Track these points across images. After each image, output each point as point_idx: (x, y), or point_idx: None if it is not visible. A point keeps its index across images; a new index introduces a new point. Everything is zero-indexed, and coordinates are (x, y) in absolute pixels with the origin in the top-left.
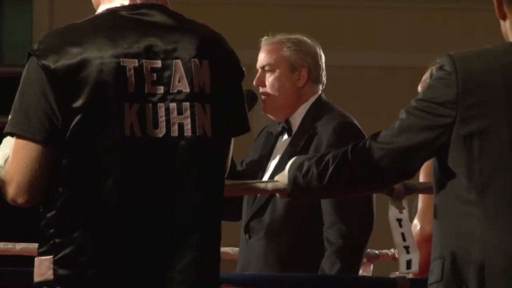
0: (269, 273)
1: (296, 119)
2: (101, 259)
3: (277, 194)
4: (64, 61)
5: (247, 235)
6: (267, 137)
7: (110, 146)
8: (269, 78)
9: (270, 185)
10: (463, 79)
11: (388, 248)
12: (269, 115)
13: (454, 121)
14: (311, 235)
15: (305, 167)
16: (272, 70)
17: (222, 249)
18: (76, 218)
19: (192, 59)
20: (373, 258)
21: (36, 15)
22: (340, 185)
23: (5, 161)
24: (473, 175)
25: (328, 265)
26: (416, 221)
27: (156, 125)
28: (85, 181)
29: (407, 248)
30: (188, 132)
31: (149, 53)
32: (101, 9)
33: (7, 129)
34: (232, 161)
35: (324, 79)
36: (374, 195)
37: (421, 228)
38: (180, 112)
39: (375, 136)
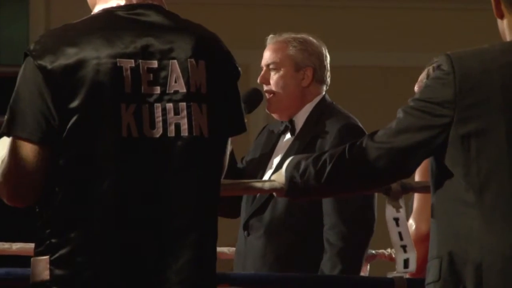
0: (265, 273)
1: (300, 119)
2: (98, 260)
3: (274, 194)
4: (60, 62)
5: (245, 233)
6: (269, 136)
7: (106, 147)
8: (274, 77)
9: (267, 185)
10: (461, 79)
11: (385, 248)
12: (273, 114)
13: (451, 121)
14: (311, 235)
15: (302, 167)
16: (277, 69)
17: (219, 248)
18: (73, 218)
19: (189, 59)
20: (369, 258)
21: (33, 15)
22: (337, 185)
23: (2, 161)
24: (471, 175)
25: (329, 267)
26: (411, 221)
27: (153, 125)
28: (81, 182)
29: (404, 248)
30: (185, 132)
31: (146, 53)
32: (97, 9)
33: (3, 129)
34: (233, 158)
35: (328, 79)
36: (376, 197)
37: (417, 227)
38: (176, 112)
39: (372, 136)
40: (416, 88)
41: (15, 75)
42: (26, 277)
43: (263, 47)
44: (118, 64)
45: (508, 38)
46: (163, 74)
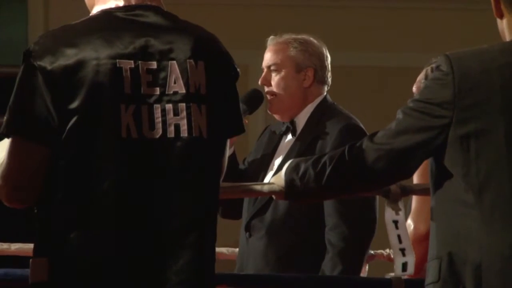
0: (264, 274)
1: (301, 120)
2: (97, 260)
3: (273, 196)
4: (60, 62)
5: (247, 234)
6: (271, 136)
7: (106, 147)
8: (275, 78)
9: (266, 187)
10: (460, 80)
11: (384, 248)
12: (274, 115)
13: (450, 122)
14: (312, 235)
15: (302, 169)
16: (278, 70)
17: (218, 249)
18: (72, 219)
19: (188, 60)
20: (368, 259)
21: (31, 16)
22: (337, 187)
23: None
24: (470, 175)
25: (329, 268)
26: (409, 221)
27: (152, 126)
28: (81, 182)
29: (403, 251)
30: (184, 133)
31: (145, 54)
32: (95, 10)
33: (2, 130)
34: (235, 159)
35: (329, 80)
36: (378, 199)
37: (415, 228)
38: (176, 113)
39: (371, 137)
40: (414, 89)
41: (14, 76)
42: (25, 278)
43: (262, 48)
44: (118, 65)
45: (507, 38)
46: (162, 75)
